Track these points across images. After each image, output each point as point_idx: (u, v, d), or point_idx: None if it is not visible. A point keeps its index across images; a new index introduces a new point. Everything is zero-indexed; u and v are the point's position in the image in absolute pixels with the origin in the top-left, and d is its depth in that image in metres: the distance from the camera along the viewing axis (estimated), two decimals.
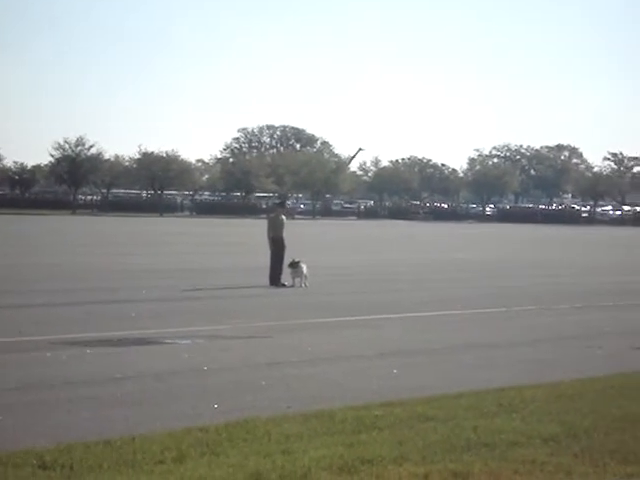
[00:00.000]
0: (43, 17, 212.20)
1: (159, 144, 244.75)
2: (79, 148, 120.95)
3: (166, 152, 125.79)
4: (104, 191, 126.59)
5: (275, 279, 26.80)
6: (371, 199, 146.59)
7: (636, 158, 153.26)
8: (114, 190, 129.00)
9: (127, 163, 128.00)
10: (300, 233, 69.65)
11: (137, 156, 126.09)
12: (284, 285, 26.51)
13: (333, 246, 52.53)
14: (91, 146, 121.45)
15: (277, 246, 27.47)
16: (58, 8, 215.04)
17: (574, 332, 18.38)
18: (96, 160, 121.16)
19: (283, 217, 28.42)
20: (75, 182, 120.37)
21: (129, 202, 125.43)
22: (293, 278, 26.44)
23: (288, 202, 36.89)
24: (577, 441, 9.40)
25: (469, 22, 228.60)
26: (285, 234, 27.89)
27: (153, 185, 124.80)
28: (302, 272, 26.33)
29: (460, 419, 10.23)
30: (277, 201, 34.59)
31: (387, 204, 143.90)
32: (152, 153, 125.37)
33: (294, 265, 26.50)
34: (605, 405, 11.06)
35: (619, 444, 9.29)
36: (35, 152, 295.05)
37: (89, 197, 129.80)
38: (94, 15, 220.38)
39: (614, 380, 12.79)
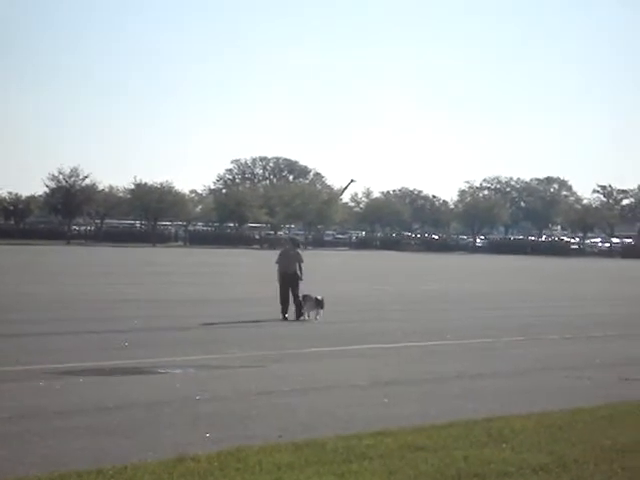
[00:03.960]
0: (36, 46, 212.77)
1: (153, 175, 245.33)
2: (73, 179, 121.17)
3: (160, 183, 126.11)
4: (98, 221, 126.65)
5: (285, 313, 26.38)
6: (363, 230, 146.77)
7: (624, 191, 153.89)
8: (108, 220, 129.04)
9: (121, 194, 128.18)
10: None
11: (131, 187, 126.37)
12: (303, 319, 26.09)
13: (326, 276, 52.62)
14: (85, 177, 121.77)
15: (287, 280, 26.94)
16: (49, 35, 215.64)
17: (563, 363, 18.43)
18: (90, 191, 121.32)
19: (297, 251, 27.82)
20: (69, 212, 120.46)
21: (123, 232, 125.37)
22: (307, 311, 26.16)
23: (298, 239, 33.74)
24: (567, 471, 9.44)
25: (458, 53, 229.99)
26: (300, 268, 27.11)
27: (147, 215, 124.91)
28: (313, 305, 26.06)
29: (450, 449, 10.28)
30: (290, 238, 33.13)
31: (379, 235, 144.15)
32: (146, 184, 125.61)
33: (306, 298, 26.29)
34: (594, 435, 11.12)
35: (608, 474, 9.35)
36: (30, 183, 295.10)
37: (83, 227, 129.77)
38: (87, 44, 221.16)
39: (603, 410, 12.84)
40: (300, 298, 26.52)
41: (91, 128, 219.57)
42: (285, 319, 26.12)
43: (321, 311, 26.07)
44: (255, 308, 29.38)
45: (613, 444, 10.64)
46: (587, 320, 28.66)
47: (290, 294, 26.77)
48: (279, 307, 26.60)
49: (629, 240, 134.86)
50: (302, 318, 26.19)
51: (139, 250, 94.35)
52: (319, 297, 26.16)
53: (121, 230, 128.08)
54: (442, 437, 10.84)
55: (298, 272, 27.08)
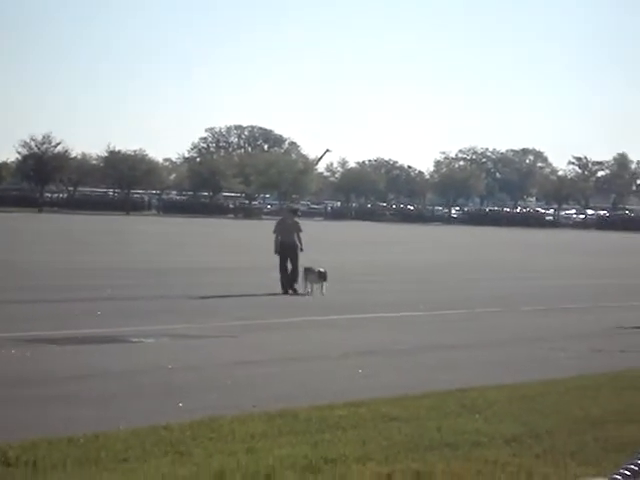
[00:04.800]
0: (9, 15, 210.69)
1: (126, 143, 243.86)
2: (45, 146, 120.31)
3: (133, 151, 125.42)
4: (71, 189, 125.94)
5: (287, 286, 25.44)
6: (338, 200, 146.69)
7: (600, 162, 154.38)
8: (81, 188, 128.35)
9: (94, 161, 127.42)
10: (267, 232, 69.71)
11: (104, 154, 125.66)
12: (296, 291, 25.23)
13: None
14: (58, 144, 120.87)
15: (285, 251, 26.07)
16: (24, 7, 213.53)
17: (537, 334, 18.50)
18: (63, 158, 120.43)
19: (295, 220, 26.92)
20: (41, 180, 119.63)
21: (96, 200, 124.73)
22: (311, 285, 25.10)
23: (297, 207, 32.24)
24: (539, 442, 9.47)
25: (434, 25, 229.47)
26: (299, 238, 26.25)
27: (120, 184, 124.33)
28: (316, 278, 25.04)
29: (423, 419, 10.29)
30: (291, 208, 32.19)
31: (354, 205, 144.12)
32: (119, 152, 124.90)
33: (308, 271, 25.24)
34: (567, 406, 11.16)
35: (580, 445, 9.37)
36: (1, 149, 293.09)
37: (56, 195, 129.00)
38: (62, 13, 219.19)
39: (576, 381, 12.89)
40: (299, 270, 25.49)
41: (64, 94, 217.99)
42: (286, 292, 25.27)
43: (325, 284, 25.01)
44: (234, 278, 29.35)
45: (586, 415, 10.69)
46: (560, 292, 28.78)
47: (289, 265, 25.79)
48: (263, 277, 26.39)
49: (604, 212, 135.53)
50: (294, 291, 25.17)
51: (112, 218, 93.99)
52: (322, 269, 25.08)
53: (94, 198, 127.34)
54: (416, 408, 10.85)
55: (297, 242, 26.22)
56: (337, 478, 8.12)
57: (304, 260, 25.99)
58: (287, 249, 26.13)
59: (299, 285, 25.41)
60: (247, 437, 9.32)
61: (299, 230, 26.48)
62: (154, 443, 8.98)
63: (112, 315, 19.38)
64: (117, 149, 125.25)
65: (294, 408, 10.68)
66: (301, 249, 26.22)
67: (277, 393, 11.86)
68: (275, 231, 26.75)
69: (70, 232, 61.35)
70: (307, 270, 25.35)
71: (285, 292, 25.27)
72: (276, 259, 26.26)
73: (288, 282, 25.51)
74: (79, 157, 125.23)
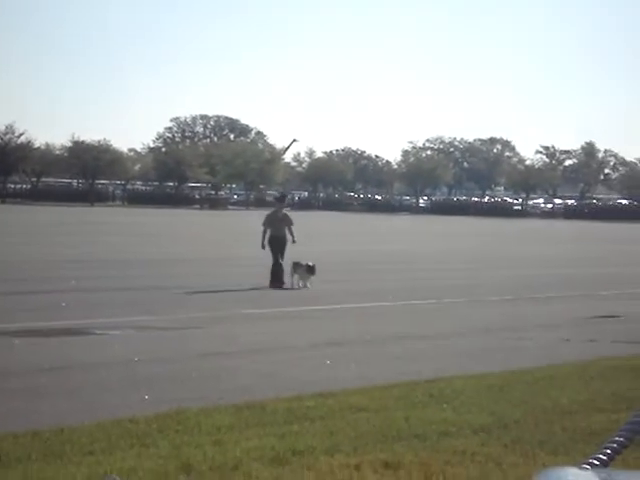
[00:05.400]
0: None
1: (91, 133, 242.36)
2: (8, 136, 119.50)
3: (98, 141, 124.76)
4: (34, 180, 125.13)
5: (275, 280, 24.68)
6: (305, 190, 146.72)
7: (567, 151, 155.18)
8: (44, 179, 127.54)
9: (58, 152, 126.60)
10: (234, 223, 69.57)
11: (68, 145, 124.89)
12: (283, 286, 24.49)
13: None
14: (21, 134, 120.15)
15: (275, 245, 25.39)
16: None
17: (505, 324, 18.54)
18: (26, 148, 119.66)
19: (285, 212, 26.26)
20: (4, 170, 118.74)
21: (60, 191, 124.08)
22: (300, 280, 24.62)
23: (286, 196, 30.47)
24: (507, 432, 9.48)
25: (404, 14, 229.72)
26: (291, 231, 25.60)
27: (85, 174, 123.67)
28: (304, 272, 24.56)
29: (391, 410, 10.27)
30: (277, 195, 31.36)
31: (321, 195, 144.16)
32: (83, 142, 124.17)
33: (296, 265, 24.74)
34: (535, 396, 11.17)
35: (548, 435, 9.39)
36: None
37: (19, 186, 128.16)
38: (25, 1, 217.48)
39: (544, 371, 12.92)
40: (281, 264, 24.91)
41: (27, 84, 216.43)
42: (275, 286, 24.49)
43: (311, 277, 24.60)
44: (202, 269, 29.24)
45: (554, 405, 10.70)
46: (528, 281, 28.87)
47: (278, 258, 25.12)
48: (231, 268, 26.21)
49: (571, 201, 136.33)
50: (281, 285, 24.49)
51: (77, 209, 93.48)
52: (310, 263, 24.65)
53: (58, 189, 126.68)
54: (383, 398, 10.83)
55: (288, 235, 25.56)
56: (305, 470, 8.08)
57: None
58: (278, 243, 25.43)
59: (287, 279, 24.75)
60: (214, 429, 9.27)
61: (290, 223, 25.79)
62: (120, 436, 8.92)
63: (77, 307, 19.24)
64: (81, 139, 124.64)
65: (261, 400, 10.63)
66: (294, 241, 25.51)
67: (244, 385, 11.80)
68: (264, 224, 25.96)
69: (33, 223, 60.95)
70: (295, 264, 24.85)
71: (274, 286, 24.50)
72: (243, 251, 26.21)
73: (274, 275, 24.76)
74: (42, 147, 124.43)
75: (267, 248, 25.53)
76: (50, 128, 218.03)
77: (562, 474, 2.09)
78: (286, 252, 25.43)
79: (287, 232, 25.67)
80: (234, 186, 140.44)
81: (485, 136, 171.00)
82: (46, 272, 26.88)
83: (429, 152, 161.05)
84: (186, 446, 8.64)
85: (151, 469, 7.93)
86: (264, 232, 25.71)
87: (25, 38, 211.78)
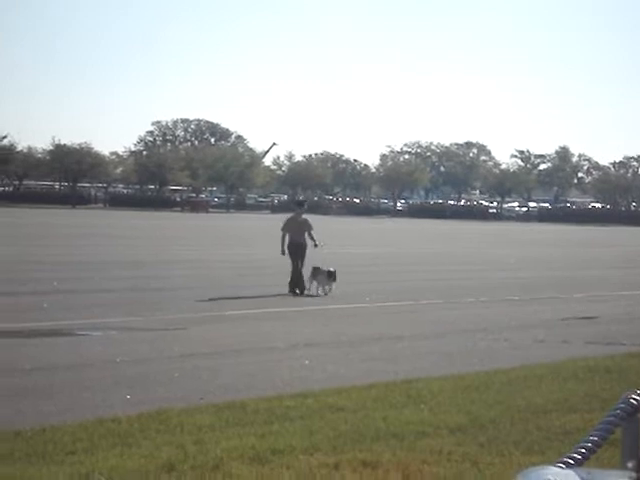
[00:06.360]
0: None
1: (72, 136, 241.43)
2: None
3: (79, 144, 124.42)
4: (16, 183, 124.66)
5: (295, 286, 24.15)
6: (285, 193, 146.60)
7: (542, 156, 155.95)
8: (27, 182, 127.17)
9: (40, 155, 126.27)
10: (215, 226, 69.52)
11: (50, 148, 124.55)
12: (303, 293, 24.01)
13: (248, 239, 52.54)
14: (4, 137, 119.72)
15: (295, 251, 24.76)
16: None
17: (480, 325, 18.67)
18: (8, 152, 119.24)
19: (304, 217, 25.54)
20: None
21: (42, 194, 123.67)
22: (320, 286, 24.01)
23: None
24: (483, 431, 9.59)
25: (382, 18, 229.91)
26: (311, 235, 24.99)
27: (66, 177, 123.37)
28: (325, 279, 23.97)
29: (370, 410, 10.38)
30: (296, 200, 30.24)
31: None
32: (65, 145, 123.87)
33: (316, 271, 24.13)
34: (510, 396, 11.30)
35: (523, 434, 9.50)
36: None
37: (1, 189, 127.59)
38: (7, 5, 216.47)
39: (518, 372, 13.03)
40: (300, 271, 24.39)
41: (9, 88, 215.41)
42: (294, 293, 23.97)
43: (333, 284, 23.98)
44: (184, 271, 29.25)
45: (528, 405, 10.84)
46: (503, 283, 29.04)
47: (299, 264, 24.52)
48: (217, 270, 26.11)
49: (546, 204, 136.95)
50: (301, 292, 24.04)
51: (58, 212, 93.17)
52: (331, 269, 24.00)
53: (40, 192, 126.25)
54: (362, 398, 10.94)
55: (309, 240, 24.91)
56: (284, 469, 8.17)
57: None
58: (297, 249, 24.83)
59: (307, 285, 24.28)
60: (195, 429, 9.35)
61: (310, 228, 25.16)
62: (102, 435, 8.99)
63: (58, 308, 19.28)
64: (63, 142, 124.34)
65: (242, 400, 10.73)
66: (315, 245, 24.87)
67: (225, 385, 11.90)
68: (283, 229, 25.27)
69: (15, 225, 60.71)
70: (315, 270, 24.22)
71: (293, 292, 24.02)
72: (226, 252, 26.24)
73: (296, 281, 24.23)
74: (25, 151, 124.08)
75: (286, 254, 24.95)
76: (32, 132, 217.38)
77: (543, 473, 2.20)
78: (306, 258, 24.77)
79: (307, 237, 25.05)
80: (214, 189, 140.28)
81: (461, 140, 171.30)
82: (27, 274, 26.87)
83: (406, 156, 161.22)
84: (167, 445, 8.71)
85: (133, 468, 8.00)
86: (283, 237, 25.09)
87: (4, 42, 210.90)
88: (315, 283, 24.17)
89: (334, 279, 23.96)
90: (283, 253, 25.00)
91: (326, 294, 23.77)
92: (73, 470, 7.93)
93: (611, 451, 4.28)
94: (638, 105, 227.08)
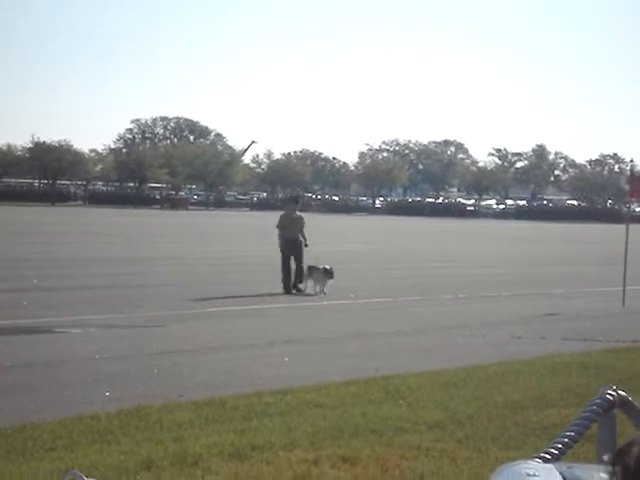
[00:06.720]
0: None
1: (52, 134, 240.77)
2: None
3: (59, 142, 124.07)
4: None
5: (289, 284, 23.97)
6: (264, 191, 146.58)
7: (519, 154, 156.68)
8: (6, 179, 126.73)
9: (19, 152, 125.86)
10: (194, 223, 69.41)
11: (30, 145, 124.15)
12: (300, 291, 23.81)
13: (228, 236, 52.53)
14: None
15: (289, 248, 24.57)
16: None
17: (458, 321, 18.75)
18: None
19: (299, 214, 25.26)
20: None
21: (21, 191, 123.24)
22: (316, 285, 23.69)
23: (300, 198, 28.30)
24: (461, 427, 9.65)
25: (361, 18, 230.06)
26: (302, 233, 24.80)
27: (46, 175, 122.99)
28: (320, 277, 23.65)
29: (348, 406, 10.44)
30: (290, 196, 30.07)
31: (280, 196, 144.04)
32: (44, 143, 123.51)
33: (312, 269, 23.89)
34: (488, 392, 11.37)
35: (501, 430, 9.57)
36: None
37: None
38: None
39: (496, 368, 13.09)
40: (303, 268, 24.18)
41: None
42: (290, 292, 23.74)
43: (330, 282, 23.66)
44: (165, 268, 29.21)
45: (505, 400, 10.91)
46: (481, 280, 29.16)
47: (293, 262, 24.30)
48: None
49: (522, 202, 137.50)
50: (299, 291, 23.86)
51: (38, 209, 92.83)
52: (327, 267, 23.73)
53: (20, 189, 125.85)
54: (341, 395, 10.99)
55: (301, 238, 24.72)
56: (264, 465, 8.21)
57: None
58: (290, 246, 24.55)
59: (304, 284, 24.11)
60: (174, 426, 9.38)
61: (302, 225, 24.95)
62: (81, 432, 9.01)
63: (38, 305, 19.26)
64: (42, 140, 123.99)
65: (221, 396, 10.77)
66: (305, 245, 24.71)
67: (204, 382, 11.93)
68: (278, 226, 25.16)
69: None
70: (311, 268, 23.97)
71: (288, 292, 23.74)
72: (205, 249, 26.26)
73: (296, 278, 24.01)
74: (4, 148, 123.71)
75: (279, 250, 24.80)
76: (11, 129, 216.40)
77: (523, 467, 2.24)
78: (303, 255, 24.53)
79: (300, 234, 24.78)
80: (194, 187, 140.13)
81: (439, 138, 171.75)
82: (6, 271, 26.81)
83: (385, 154, 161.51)
84: (147, 442, 8.73)
85: (112, 465, 8.01)
86: (279, 235, 25.03)
87: None
88: (311, 281, 23.94)
89: (331, 276, 23.73)
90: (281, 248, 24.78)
91: (324, 292, 23.50)
92: (53, 467, 7.94)
93: (587, 446, 4.35)
94: (614, 103, 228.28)
